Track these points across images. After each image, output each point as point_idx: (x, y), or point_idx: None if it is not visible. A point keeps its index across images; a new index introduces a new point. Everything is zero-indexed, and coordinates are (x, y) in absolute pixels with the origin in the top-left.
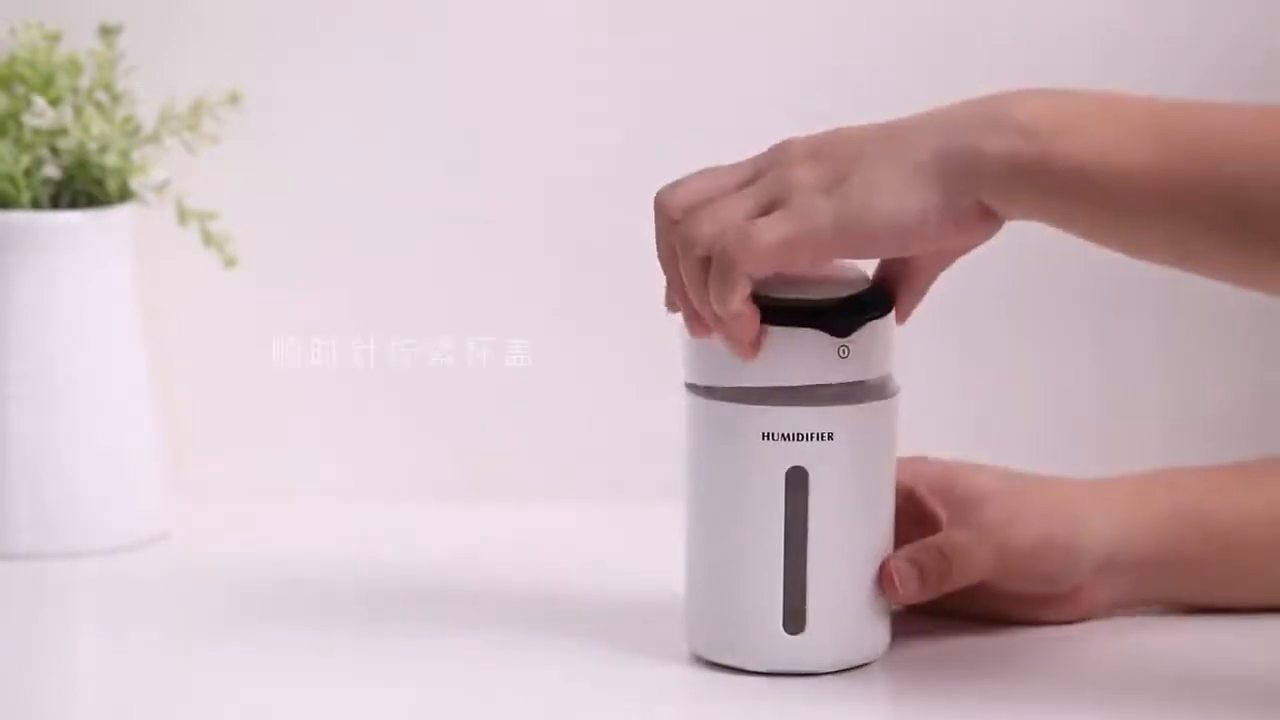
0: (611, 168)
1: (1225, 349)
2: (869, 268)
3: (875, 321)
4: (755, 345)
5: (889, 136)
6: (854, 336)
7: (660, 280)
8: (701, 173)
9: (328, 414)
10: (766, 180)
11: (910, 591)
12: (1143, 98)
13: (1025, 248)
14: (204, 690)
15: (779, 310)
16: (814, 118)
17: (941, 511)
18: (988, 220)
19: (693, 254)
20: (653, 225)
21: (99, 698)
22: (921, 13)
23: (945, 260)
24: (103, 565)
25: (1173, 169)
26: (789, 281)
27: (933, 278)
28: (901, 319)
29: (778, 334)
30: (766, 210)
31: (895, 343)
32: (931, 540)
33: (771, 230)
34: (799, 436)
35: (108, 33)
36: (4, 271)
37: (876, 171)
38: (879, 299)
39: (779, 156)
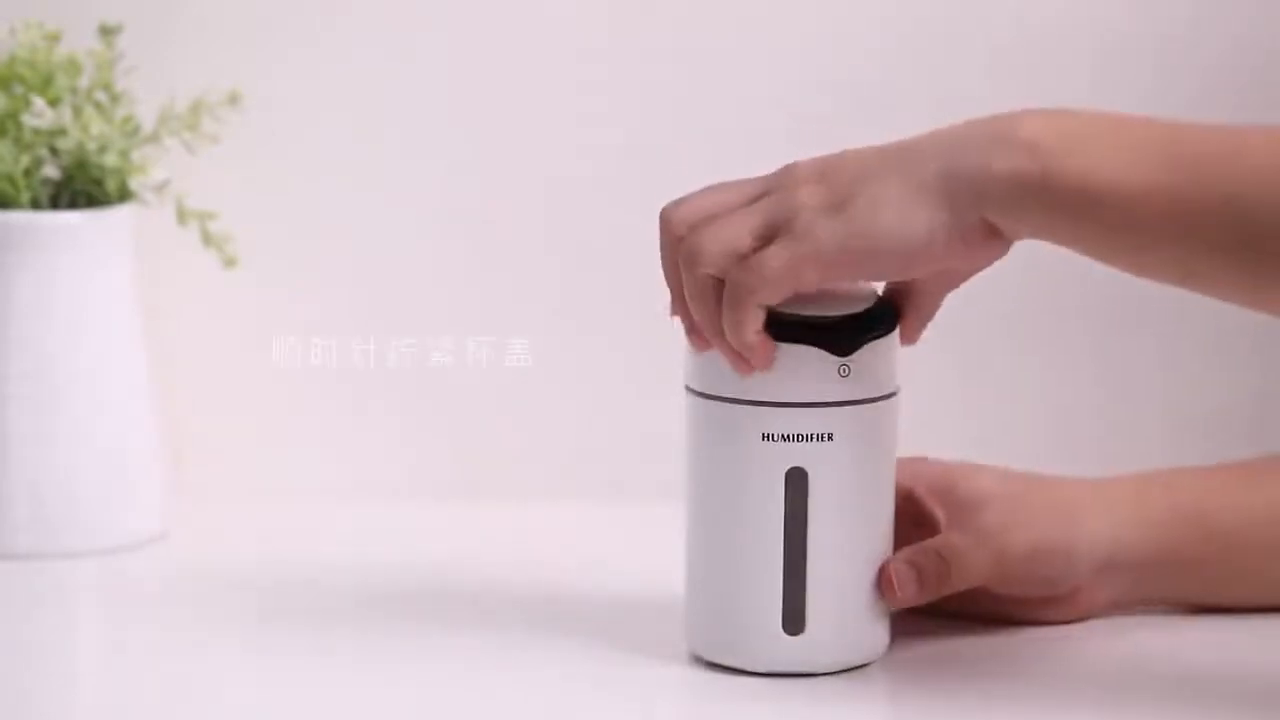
0: (611, 168)
1: (1225, 360)
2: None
3: (877, 341)
4: (754, 365)
5: (894, 157)
6: (855, 355)
7: (662, 281)
8: (707, 189)
9: (328, 414)
10: (771, 201)
11: (908, 594)
12: (1148, 118)
13: (1027, 260)
14: (204, 690)
15: (781, 326)
16: (814, 118)
17: (940, 513)
18: (993, 239)
19: (697, 270)
20: (653, 225)
21: (99, 698)
22: (921, 13)
23: (952, 282)
24: (103, 565)
25: (1177, 189)
26: (796, 297)
27: (939, 300)
28: (908, 341)
29: (778, 349)
30: (770, 230)
31: (898, 360)
32: (930, 543)
33: (778, 256)
34: (799, 437)
35: (107, 33)
36: (4, 271)
37: (881, 191)
38: (884, 317)
39: (784, 179)
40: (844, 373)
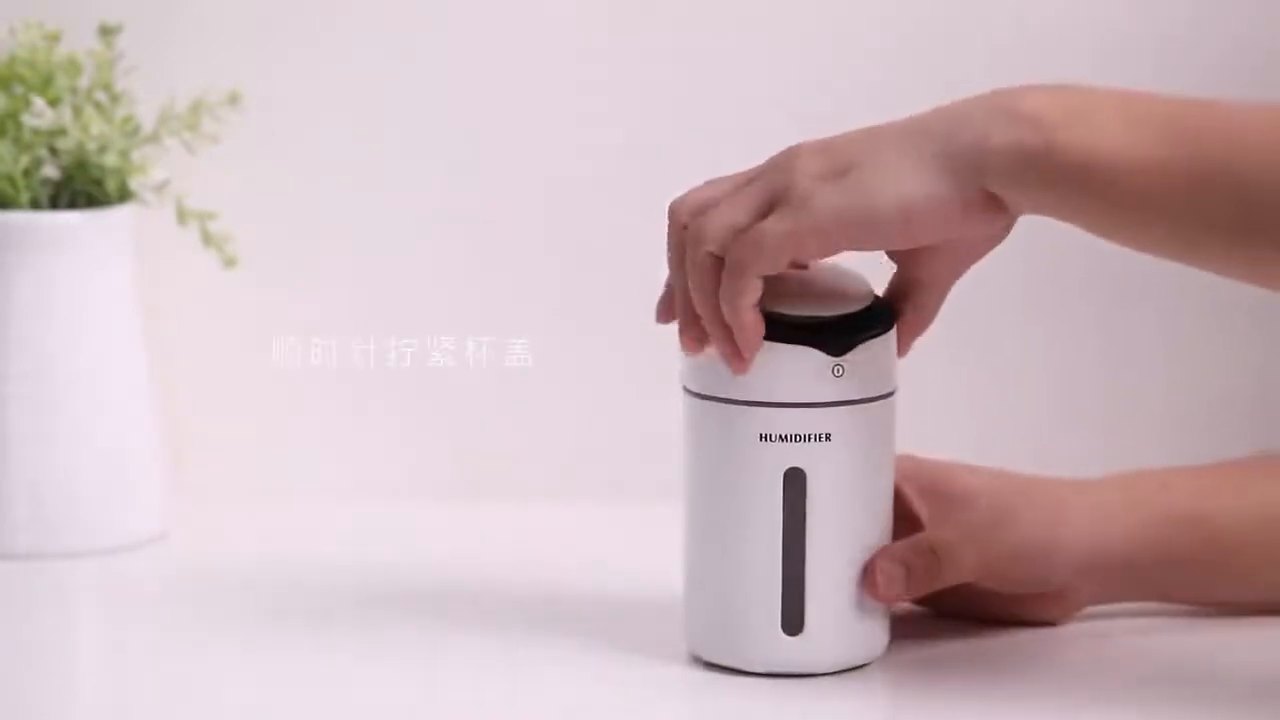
0: (611, 168)
1: (1227, 341)
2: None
3: (874, 340)
4: (747, 360)
5: (894, 131)
6: (852, 355)
7: (662, 281)
8: (710, 181)
9: (328, 414)
10: (769, 178)
11: (894, 592)
12: (1152, 94)
13: (1027, 244)
14: (204, 690)
15: (775, 325)
16: (814, 118)
17: (923, 511)
18: (994, 210)
19: (699, 251)
20: (652, 225)
21: (99, 698)
22: (921, 13)
23: (954, 268)
24: (103, 565)
25: (1176, 165)
26: (791, 296)
27: (941, 294)
28: (904, 347)
29: (772, 350)
30: (769, 205)
31: (895, 359)
32: (920, 538)
33: (776, 225)
34: (796, 438)
35: (107, 33)
36: (4, 271)
37: (882, 161)
38: (880, 316)
39: (784, 159)
40: (837, 373)
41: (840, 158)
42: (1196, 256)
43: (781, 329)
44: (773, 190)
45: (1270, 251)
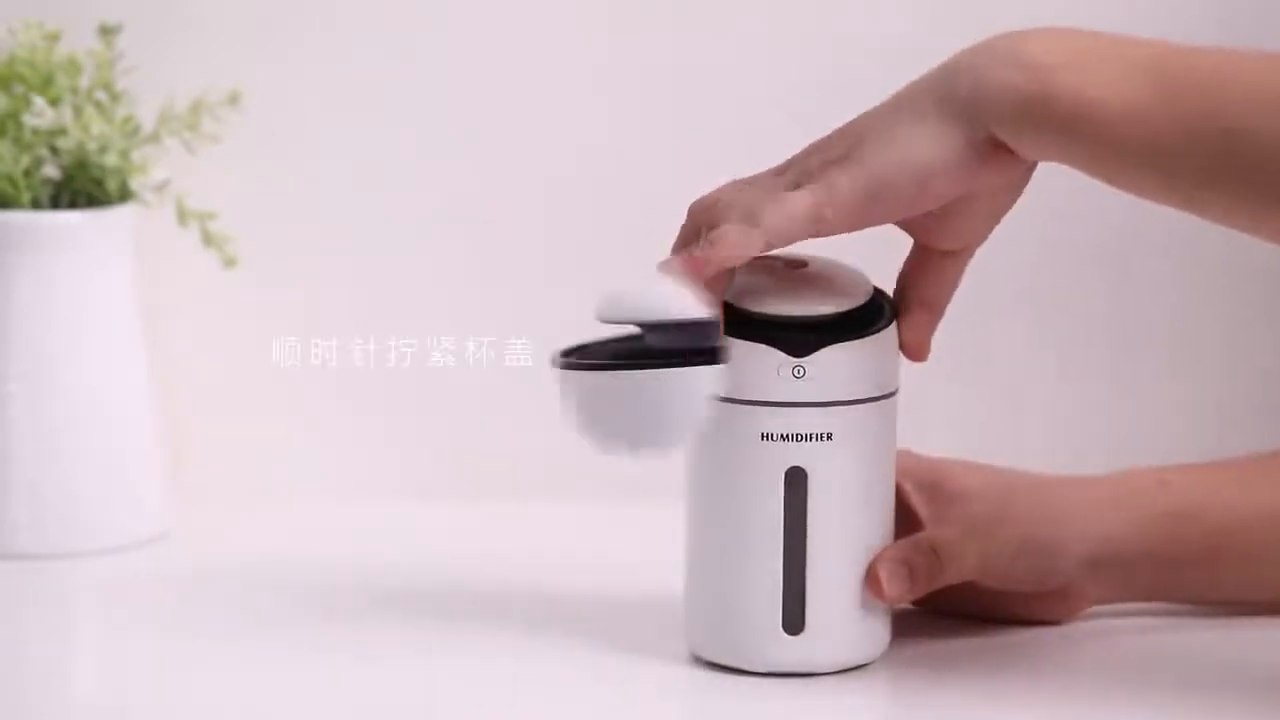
0: (612, 168)
1: (1233, 342)
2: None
3: (840, 344)
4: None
5: (898, 96)
6: (812, 357)
7: None
8: (731, 182)
9: (328, 414)
10: (790, 170)
11: (897, 592)
12: (1153, 40)
13: (1030, 239)
14: (204, 690)
15: (779, 325)
16: (814, 118)
17: (921, 508)
18: (1005, 155)
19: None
20: (653, 225)
21: (99, 698)
22: (921, 13)
23: (980, 226)
24: (103, 565)
25: (1158, 113)
26: (796, 296)
27: (965, 260)
28: (925, 335)
29: (739, 347)
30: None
31: (898, 358)
32: (921, 537)
33: (796, 200)
34: (797, 437)
35: (107, 33)
36: (4, 271)
37: (888, 128)
38: (880, 312)
39: (800, 154)
40: (798, 374)
41: (849, 138)
42: (1197, 207)
43: (749, 327)
44: (792, 180)
45: (1269, 203)
